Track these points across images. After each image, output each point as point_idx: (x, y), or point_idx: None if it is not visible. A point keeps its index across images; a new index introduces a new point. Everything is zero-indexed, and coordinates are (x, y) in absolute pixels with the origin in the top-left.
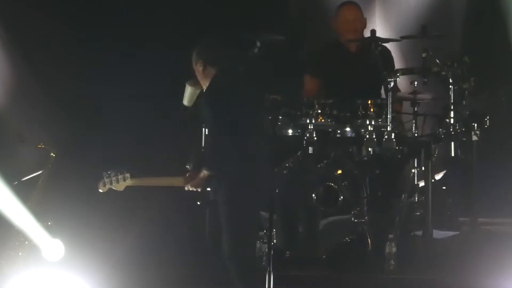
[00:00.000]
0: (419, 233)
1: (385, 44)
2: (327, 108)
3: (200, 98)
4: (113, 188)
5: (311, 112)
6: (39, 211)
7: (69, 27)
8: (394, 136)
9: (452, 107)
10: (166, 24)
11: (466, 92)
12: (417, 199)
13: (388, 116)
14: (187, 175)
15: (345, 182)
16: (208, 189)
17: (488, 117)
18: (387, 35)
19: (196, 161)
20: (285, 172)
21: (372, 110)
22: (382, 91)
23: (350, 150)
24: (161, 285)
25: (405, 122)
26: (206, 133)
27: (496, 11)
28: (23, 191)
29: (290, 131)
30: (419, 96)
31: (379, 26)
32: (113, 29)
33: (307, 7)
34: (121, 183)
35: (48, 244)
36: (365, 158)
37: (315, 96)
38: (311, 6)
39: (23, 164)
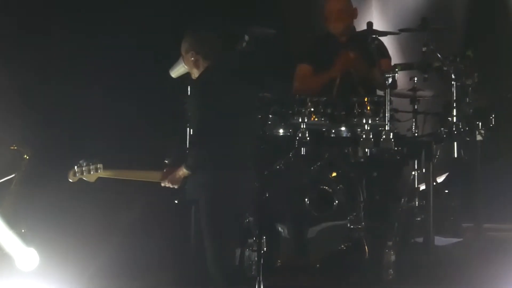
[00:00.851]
0: (420, 240)
1: (383, 38)
2: (320, 106)
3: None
4: (84, 178)
5: (303, 110)
6: (11, 218)
7: (43, 26)
8: (393, 136)
9: (454, 105)
10: (148, 15)
11: (470, 88)
12: (418, 204)
13: (386, 115)
14: (165, 170)
15: (340, 186)
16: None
17: (493, 115)
18: (384, 27)
19: (176, 157)
20: (275, 174)
21: (368, 108)
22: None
23: (346, 151)
24: None
25: (404, 121)
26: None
27: (500, 2)
28: None
29: (281, 131)
30: (419, 93)
31: (376, 18)
32: (86, 24)
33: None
34: (93, 173)
35: (21, 252)
36: (362, 160)
37: (306, 86)
38: None
39: None
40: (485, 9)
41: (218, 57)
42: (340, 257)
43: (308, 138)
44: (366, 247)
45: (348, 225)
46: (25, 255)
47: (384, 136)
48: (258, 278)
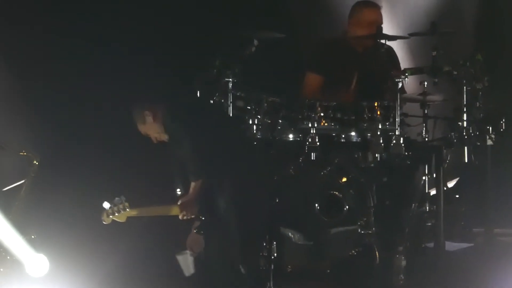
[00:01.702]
0: (430, 245)
1: (392, 42)
2: (330, 111)
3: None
4: (116, 219)
5: (313, 115)
6: (21, 224)
7: (52, 32)
8: (403, 140)
9: (464, 109)
10: (160, 23)
11: (480, 92)
12: (428, 209)
13: (396, 120)
14: (179, 202)
15: (351, 191)
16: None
17: (503, 120)
18: (394, 32)
19: (181, 180)
20: (285, 180)
21: (378, 113)
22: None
23: (356, 156)
24: None
25: (415, 126)
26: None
27: (510, 5)
28: (3, 202)
29: (290, 136)
30: (429, 97)
31: (385, 22)
32: (102, 32)
33: (307, 3)
34: (122, 213)
35: (31, 259)
36: (372, 165)
37: (317, 97)
38: (312, 2)
39: (4, 173)
40: (495, 13)
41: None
42: (351, 262)
43: (318, 143)
44: (376, 252)
45: (359, 230)
46: (35, 261)
47: (394, 141)
48: (268, 284)
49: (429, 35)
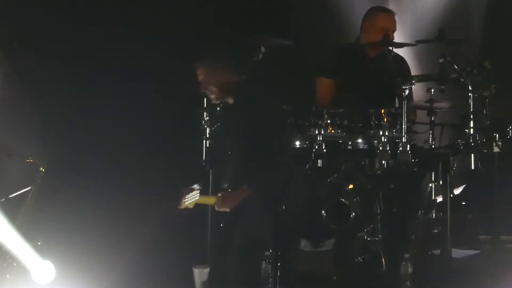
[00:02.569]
0: (437, 252)
1: (399, 49)
2: (337, 118)
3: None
4: (188, 205)
5: (320, 122)
6: (27, 230)
7: (59, 38)
8: (410, 147)
9: (471, 116)
10: (165, 29)
11: (487, 100)
12: (435, 216)
13: (403, 127)
14: (221, 195)
15: (357, 198)
16: None
17: (510, 127)
18: (401, 39)
19: (234, 179)
20: (292, 186)
21: (385, 120)
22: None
23: (362, 163)
24: None
25: (421, 133)
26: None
27: None
28: (10, 209)
29: (297, 143)
30: (436, 104)
31: None
32: (109, 38)
33: (314, 11)
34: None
35: (37, 265)
36: (379, 172)
37: (326, 105)
38: (319, 10)
39: (10, 180)
40: (502, 20)
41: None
42: (357, 269)
43: (324, 150)
44: (383, 259)
45: (365, 238)
46: (41, 267)
47: (401, 148)
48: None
49: (436, 42)
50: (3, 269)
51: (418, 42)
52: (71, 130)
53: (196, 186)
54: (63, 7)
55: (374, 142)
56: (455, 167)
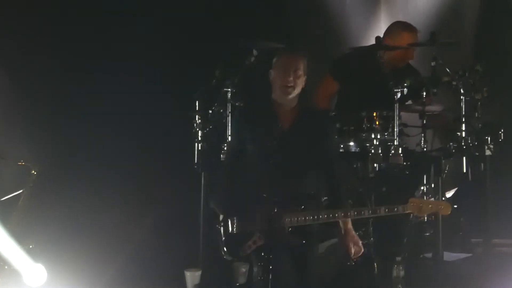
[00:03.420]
0: (429, 255)
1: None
2: None
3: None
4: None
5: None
6: (19, 233)
7: (52, 40)
8: (402, 150)
9: (463, 120)
10: (157, 32)
11: (479, 103)
12: (427, 219)
13: (395, 130)
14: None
15: (349, 201)
16: None
17: (502, 130)
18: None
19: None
20: None
21: (377, 123)
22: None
23: (354, 166)
24: None
25: (414, 136)
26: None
27: (510, 16)
28: (2, 212)
29: None
30: (428, 108)
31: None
32: (101, 41)
33: (306, 13)
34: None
35: (29, 269)
36: (371, 175)
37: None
38: (312, 12)
39: (2, 183)
40: (494, 24)
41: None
42: (349, 273)
43: None
44: (375, 262)
45: None
46: (33, 271)
47: (393, 151)
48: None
49: (428, 45)
50: None
51: (410, 45)
52: (63, 133)
53: None
54: (54, 9)
55: (366, 145)
56: (447, 170)
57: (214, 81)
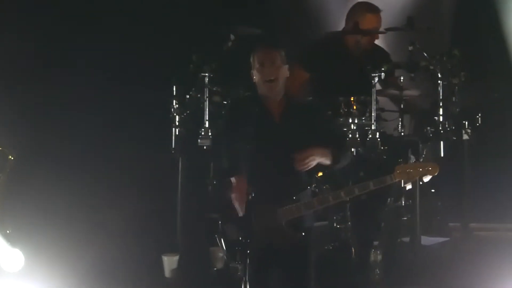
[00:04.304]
0: (406, 239)
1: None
2: None
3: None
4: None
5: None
6: None
7: (28, 27)
8: (379, 135)
9: (441, 104)
10: (133, 17)
11: (456, 87)
12: (404, 203)
13: (373, 114)
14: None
15: (326, 185)
16: None
17: (479, 115)
18: None
19: None
20: None
21: (355, 107)
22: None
23: None
24: None
25: (391, 121)
26: None
27: (488, 0)
28: None
29: None
30: (406, 92)
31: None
32: (76, 23)
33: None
34: None
35: (6, 253)
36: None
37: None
38: None
39: None
40: (472, 8)
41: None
42: (327, 257)
43: None
44: (352, 247)
45: (334, 225)
46: (10, 255)
47: (370, 136)
48: (244, 278)
49: (405, 30)
50: None
51: (387, 30)
52: (40, 119)
53: None
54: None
55: (344, 130)
56: (424, 155)
57: (191, 66)
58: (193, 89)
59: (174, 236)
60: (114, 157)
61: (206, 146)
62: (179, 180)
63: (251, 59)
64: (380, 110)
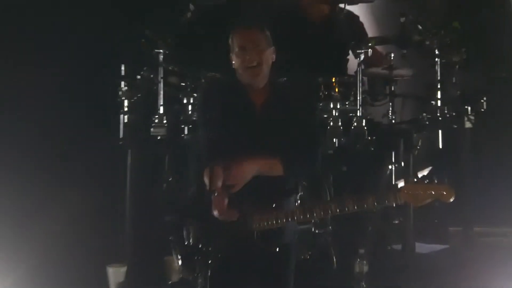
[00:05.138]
0: (398, 247)
1: (353, 7)
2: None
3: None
4: None
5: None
6: None
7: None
8: (365, 123)
9: (438, 86)
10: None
11: (457, 66)
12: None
13: (358, 98)
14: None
15: (303, 182)
16: None
17: (484, 99)
18: None
19: None
20: None
21: (337, 90)
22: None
23: None
24: None
25: (380, 106)
26: None
27: None
28: None
29: None
30: (397, 72)
31: None
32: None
33: None
34: None
35: None
36: (329, 151)
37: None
38: None
39: None
40: None
41: None
42: (303, 267)
43: None
44: (333, 255)
45: (312, 229)
46: None
47: (355, 124)
48: None
49: None
50: None
51: None
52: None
53: None
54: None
55: (324, 117)
56: (419, 146)
57: (143, 40)
58: (145, 68)
59: (122, 243)
60: (50, 149)
61: (160, 136)
62: (128, 176)
63: (230, 41)
64: (366, 93)
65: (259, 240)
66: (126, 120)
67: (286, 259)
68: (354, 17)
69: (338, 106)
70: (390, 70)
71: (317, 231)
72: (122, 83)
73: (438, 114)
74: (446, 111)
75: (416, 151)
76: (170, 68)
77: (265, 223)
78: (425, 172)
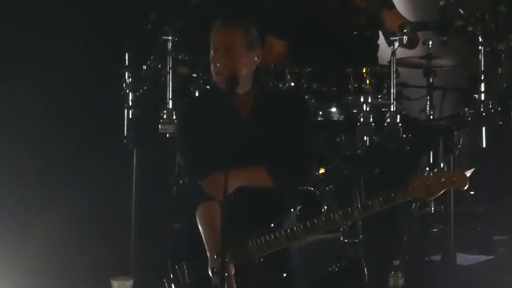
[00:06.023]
0: (437, 258)
1: None
2: (303, 80)
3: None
4: None
5: (281, 85)
6: None
7: None
8: (400, 119)
9: (482, 78)
10: None
11: (503, 55)
12: (434, 210)
13: (392, 91)
14: None
15: (331, 186)
16: None
17: None
18: None
19: None
20: None
21: (368, 82)
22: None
23: (338, 139)
24: None
25: (417, 100)
26: None
27: None
28: None
29: None
30: (436, 62)
31: None
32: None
33: None
34: None
35: None
36: (359, 151)
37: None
38: None
39: None
40: None
41: None
42: (332, 281)
43: None
44: (365, 267)
45: (341, 239)
46: None
47: (388, 120)
48: None
49: None
50: None
51: None
52: None
53: None
54: None
55: (353, 112)
56: (460, 145)
57: (149, 26)
58: (152, 57)
59: (128, 253)
60: (50, 148)
61: (169, 133)
62: (134, 179)
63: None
64: (401, 85)
65: (261, 267)
66: (130, 116)
67: (295, 284)
68: None
69: (370, 100)
70: (429, 59)
71: (346, 241)
72: (126, 74)
73: (482, 109)
74: (490, 106)
75: (457, 151)
76: (179, 56)
77: (265, 247)
78: (467, 174)
